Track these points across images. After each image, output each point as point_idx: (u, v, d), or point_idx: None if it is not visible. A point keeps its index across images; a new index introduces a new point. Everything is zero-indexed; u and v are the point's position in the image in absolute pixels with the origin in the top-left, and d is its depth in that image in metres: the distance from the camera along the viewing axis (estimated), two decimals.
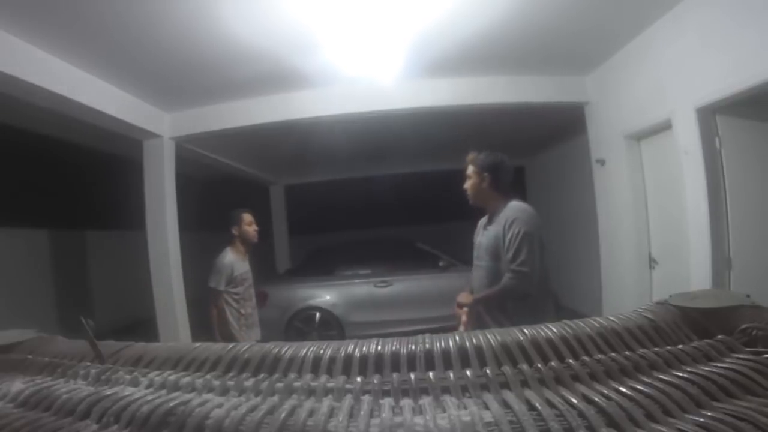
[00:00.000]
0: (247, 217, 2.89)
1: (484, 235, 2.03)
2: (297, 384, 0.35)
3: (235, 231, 2.87)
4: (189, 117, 4.06)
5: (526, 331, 0.40)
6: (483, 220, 2.15)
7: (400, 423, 0.29)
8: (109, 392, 0.36)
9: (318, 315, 4.89)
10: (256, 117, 3.99)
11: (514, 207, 1.95)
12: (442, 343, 0.39)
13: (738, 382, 0.32)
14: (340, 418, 0.30)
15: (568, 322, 0.41)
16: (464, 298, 2.00)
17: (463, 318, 1.92)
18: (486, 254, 1.96)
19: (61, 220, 5.34)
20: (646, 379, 0.33)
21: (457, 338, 0.39)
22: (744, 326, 0.39)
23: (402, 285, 4.95)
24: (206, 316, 2.78)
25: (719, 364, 0.35)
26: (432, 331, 0.44)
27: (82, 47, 2.74)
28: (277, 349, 0.41)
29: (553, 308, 2.02)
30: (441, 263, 4.93)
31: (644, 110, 3.16)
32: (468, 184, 2.07)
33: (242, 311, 2.78)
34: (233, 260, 2.79)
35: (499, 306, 1.89)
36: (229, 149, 5.34)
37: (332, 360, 0.39)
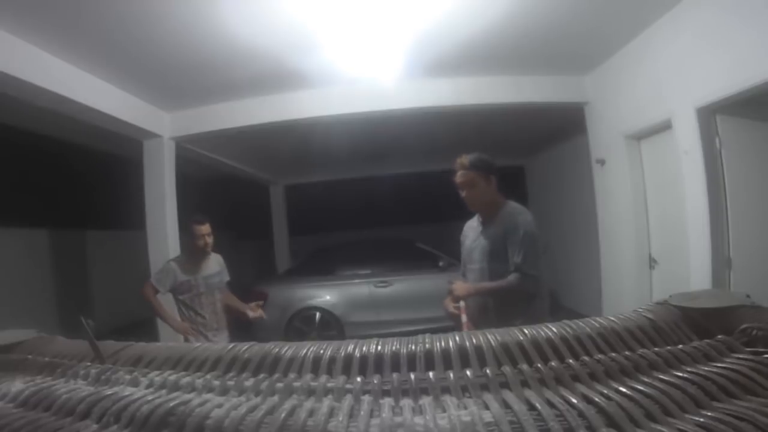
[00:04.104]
0: (198, 230, 2.68)
1: (480, 238, 1.94)
2: (297, 384, 0.35)
3: (186, 241, 2.77)
4: (189, 117, 4.06)
5: (526, 331, 0.40)
6: (473, 223, 2.07)
7: (400, 423, 0.29)
8: (109, 392, 0.36)
9: (318, 315, 4.89)
10: (256, 117, 3.99)
11: (516, 208, 1.90)
12: (442, 343, 0.39)
13: (738, 382, 0.32)
14: (340, 418, 0.30)
15: (568, 322, 0.41)
16: (461, 288, 1.88)
17: (464, 318, 1.83)
18: (484, 257, 1.89)
19: (61, 220, 5.34)
20: (646, 379, 0.33)
21: (457, 338, 0.39)
22: (744, 326, 0.39)
23: (402, 285, 4.95)
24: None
25: (719, 364, 0.35)
26: (432, 331, 0.44)
27: (82, 47, 2.74)
28: (277, 349, 0.41)
29: (548, 310, 1.95)
30: (441, 263, 4.93)
31: (644, 110, 3.16)
32: (473, 191, 1.91)
33: (197, 319, 2.70)
34: (178, 267, 2.69)
35: (495, 306, 1.84)
36: (229, 149, 5.34)
37: (332, 360, 0.39)
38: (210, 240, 2.73)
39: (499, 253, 1.84)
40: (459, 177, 1.92)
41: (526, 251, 1.78)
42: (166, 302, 2.83)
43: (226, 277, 2.92)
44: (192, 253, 2.76)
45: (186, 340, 2.64)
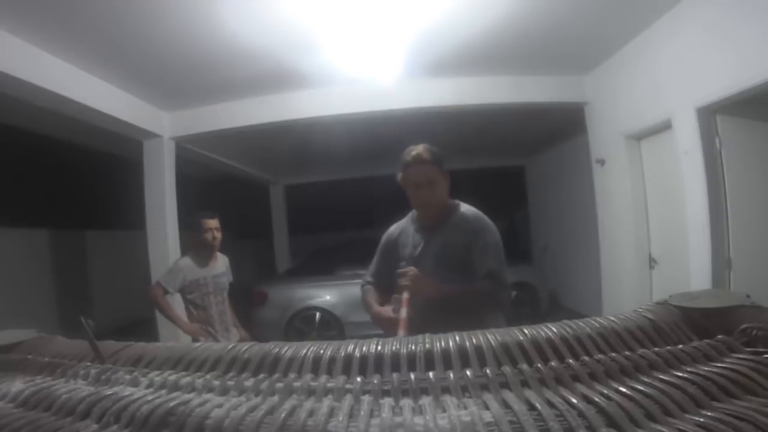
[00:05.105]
0: (207, 223, 2.68)
1: (431, 245, 1.62)
2: (297, 384, 0.35)
3: (194, 237, 2.74)
4: (189, 117, 4.07)
5: (526, 331, 0.40)
6: (407, 228, 1.75)
7: (400, 423, 0.29)
8: (109, 392, 0.36)
9: (318, 315, 4.89)
10: (256, 117, 3.99)
11: (474, 212, 1.65)
12: (442, 343, 0.39)
13: (738, 382, 0.32)
14: (340, 418, 0.30)
15: (568, 322, 0.41)
16: (424, 284, 1.46)
17: (401, 332, 1.29)
18: (441, 266, 1.56)
19: (61, 220, 5.34)
20: (646, 379, 0.33)
21: (457, 338, 0.39)
22: (744, 326, 0.39)
23: None
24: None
25: (719, 364, 0.35)
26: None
27: (82, 47, 2.74)
28: (277, 349, 0.41)
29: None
30: None
31: (644, 110, 3.16)
32: (433, 191, 1.59)
33: (201, 320, 2.67)
34: (187, 266, 2.67)
35: (455, 315, 1.27)
36: (229, 149, 5.34)
37: (332, 360, 0.38)
38: (218, 235, 2.73)
39: (460, 263, 1.55)
40: (416, 173, 1.59)
41: (500, 262, 1.55)
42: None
43: (230, 278, 2.92)
44: (200, 250, 2.75)
45: (195, 340, 2.63)
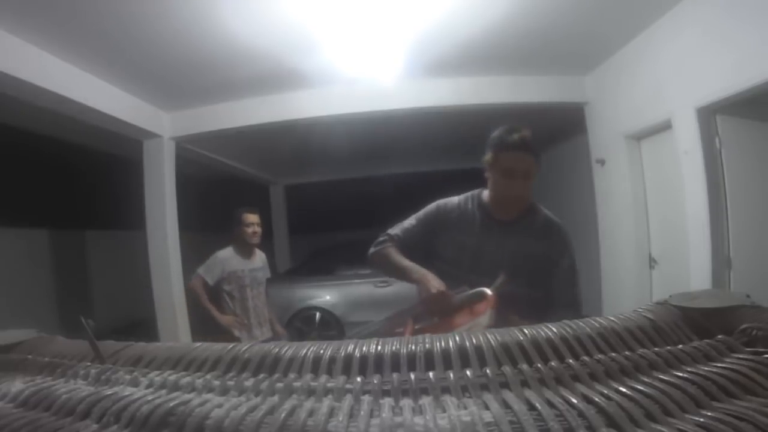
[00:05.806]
0: (247, 218, 2.80)
1: (504, 247, 1.33)
2: (297, 384, 0.35)
3: (235, 231, 2.83)
4: (189, 117, 4.07)
5: (526, 331, 0.40)
6: (470, 210, 1.42)
7: (400, 423, 0.29)
8: (109, 392, 0.36)
9: (318, 315, 4.89)
10: (256, 117, 3.99)
11: (558, 220, 1.43)
12: (442, 343, 0.39)
13: (738, 382, 0.32)
14: (340, 418, 0.30)
15: (568, 322, 0.41)
16: (505, 311, 1.07)
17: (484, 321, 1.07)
18: (513, 277, 1.18)
19: (61, 220, 5.34)
20: (646, 379, 0.33)
21: (457, 338, 0.39)
22: (744, 326, 0.39)
23: (402, 284, 4.93)
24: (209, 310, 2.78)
25: (719, 364, 0.35)
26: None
27: (82, 47, 2.74)
28: (277, 349, 0.41)
29: None
30: None
31: (644, 110, 3.16)
32: (529, 184, 1.35)
33: (237, 312, 2.73)
34: (227, 257, 2.75)
35: None
36: (229, 149, 5.34)
37: (332, 360, 0.38)
38: (259, 230, 2.82)
39: (533, 275, 1.27)
40: (516, 159, 1.30)
41: (578, 284, 1.34)
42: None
43: (268, 274, 3.00)
44: (240, 244, 2.81)
45: (231, 333, 2.68)
